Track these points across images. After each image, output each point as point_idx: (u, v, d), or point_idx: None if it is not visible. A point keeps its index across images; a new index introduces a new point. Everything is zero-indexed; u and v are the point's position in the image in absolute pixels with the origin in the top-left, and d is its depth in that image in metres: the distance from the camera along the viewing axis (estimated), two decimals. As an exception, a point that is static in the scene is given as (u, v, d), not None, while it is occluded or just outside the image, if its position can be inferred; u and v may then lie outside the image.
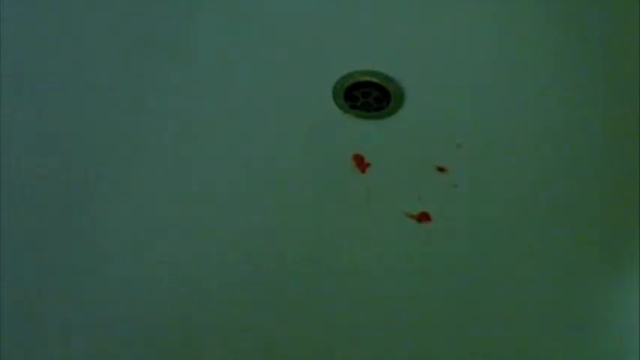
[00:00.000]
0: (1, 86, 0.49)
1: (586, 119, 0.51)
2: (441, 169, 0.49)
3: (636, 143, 0.48)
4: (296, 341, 0.43)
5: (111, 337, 0.43)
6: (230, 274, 0.45)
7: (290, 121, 0.51)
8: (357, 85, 0.52)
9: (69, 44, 0.49)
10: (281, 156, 0.50)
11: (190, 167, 0.49)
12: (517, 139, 0.51)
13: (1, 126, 0.48)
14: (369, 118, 0.52)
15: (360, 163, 0.50)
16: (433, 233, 0.47)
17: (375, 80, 0.52)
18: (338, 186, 0.49)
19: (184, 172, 0.49)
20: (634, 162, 0.48)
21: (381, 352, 0.43)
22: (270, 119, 0.51)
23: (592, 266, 0.46)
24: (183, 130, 0.50)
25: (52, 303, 0.44)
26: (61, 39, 0.49)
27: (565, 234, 0.47)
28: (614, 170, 0.49)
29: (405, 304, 0.44)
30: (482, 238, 0.47)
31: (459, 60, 0.51)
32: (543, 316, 0.44)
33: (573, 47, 0.52)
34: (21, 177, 0.47)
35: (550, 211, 0.48)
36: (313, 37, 0.50)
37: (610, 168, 0.49)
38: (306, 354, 0.42)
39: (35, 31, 0.48)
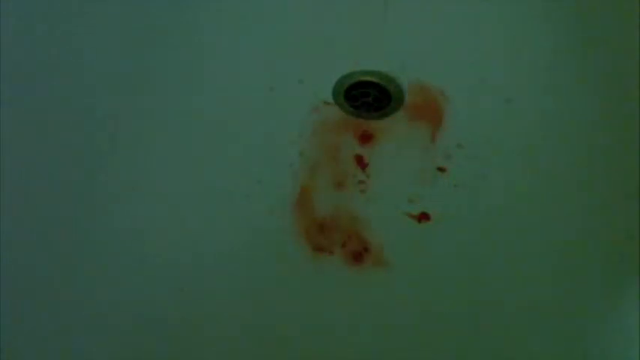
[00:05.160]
0: (1, 85, 0.49)
1: (587, 119, 0.51)
2: (441, 169, 0.50)
3: (637, 142, 0.49)
4: (297, 339, 0.43)
5: (111, 336, 0.43)
6: (230, 272, 0.45)
7: (289, 121, 0.51)
8: (357, 85, 0.52)
9: (68, 39, 0.49)
10: (280, 155, 0.50)
11: (189, 166, 0.49)
12: (517, 139, 0.51)
13: (1, 125, 0.48)
14: (369, 118, 0.52)
15: (360, 162, 0.50)
16: (433, 233, 0.47)
17: (375, 80, 0.52)
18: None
19: (184, 170, 0.49)
20: (635, 161, 0.48)
21: (382, 350, 0.43)
22: (269, 118, 0.51)
23: (593, 267, 0.46)
24: (183, 128, 0.51)
25: (51, 302, 0.43)
26: (59, 34, 0.49)
27: (566, 234, 0.47)
28: (615, 169, 0.49)
29: (404, 304, 0.44)
30: (483, 238, 0.47)
31: (459, 60, 0.51)
32: (544, 316, 0.44)
33: (574, 47, 0.52)
34: (20, 174, 0.47)
35: (551, 210, 0.48)
36: (313, 37, 0.50)
37: (611, 167, 0.49)
38: (307, 352, 0.42)
39: (35, 28, 0.48)
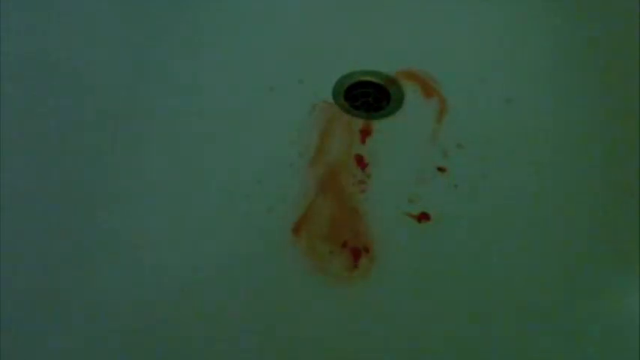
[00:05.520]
0: (1, 85, 0.49)
1: (587, 119, 0.51)
2: (441, 169, 0.50)
3: (637, 143, 0.49)
4: (297, 339, 0.43)
5: (111, 336, 0.43)
6: (230, 272, 0.45)
7: (289, 121, 0.51)
8: (357, 85, 0.52)
9: (68, 38, 0.49)
10: (280, 155, 0.50)
11: (189, 166, 0.49)
12: (517, 139, 0.51)
13: (1, 125, 0.48)
14: (369, 118, 0.52)
15: (360, 162, 0.50)
16: (433, 233, 0.47)
17: (375, 80, 0.53)
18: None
19: (184, 170, 0.49)
20: (635, 161, 0.48)
21: (382, 352, 0.43)
22: (269, 118, 0.51)
23: (593, 267, 0.46)
24: (183, 128, 0.51)
25: (51, 303, 0.43)
26: (59, 33, 0.49)
27: (566, 234, 0.47)
28: (615, 170, 0.49)
29: (405, 304, 0.44)
30: (483, 238, 0.47)
31: (458, 60, 0.51)
32: (544, 316, 0.44)
33: (574, 47, 0.52)
34: (20, 174, 0.47)
35: (551, 210, 0.48)
36: (313, 37, 0.51)
37: (611, 167, 0.49)
38: (306, 352, 0.42)
39: (35, 27, 0.49)
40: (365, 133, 0.52)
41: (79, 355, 0.41)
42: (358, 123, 0.52)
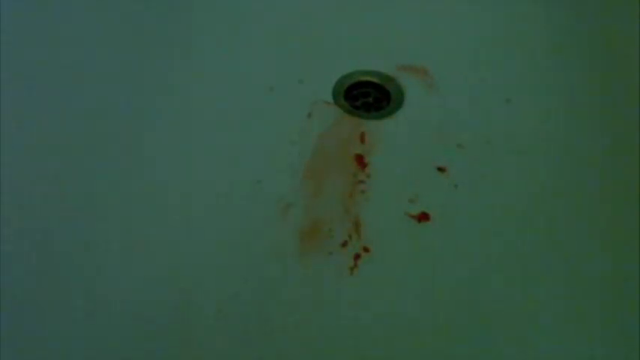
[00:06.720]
0: (1, 85, 0.49)
1: (587, 119, 0.51)
2: (441, 169, 0.50)
3: (637, 143, 0.49)
4: (297, 339, 0.43)
5: (110, 336, 0.43)
6: (230, 272, 0.45)
7: (289, 121, 0.51)
8: (357, 85, 0.53)
9: (68, 38, 0.49)
10: (280, 155, 0.50)
11: (189, 166, 0.49)
12: (517, 139, 0.51)
13: (0, 125, 0.48)
14: (369, 118, 0.52)
15: (360, 162, 0.50)
16: (433, 233, 0.47)
17: (375, 80, 0.53)
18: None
19: (183, 170, 0.49)
20: (635, 161, 0.48)
21: (382, 352, 0.43)
22: (269, 118, 0.51)
23: (592, 267, 0.46)
24: (183, 128, 0.51)
25: (51, 302, 0.43)
26: (58, 35, 0.49)
27: (566, 234, 0.47)
28: (615, 169, 0.49)
29: (404, 304, 0.44)
30: (483, 238, 0.47)
31: (458, 60, 0.51)
32: (544, 317, 0.44)
33: (574, 47, 0.52)
34: (19, 175, 0.47)
35: (551, 210, 0.48)
36: (313, 37, 0.51)
37: (611, 167, 0.49)
38: (307, 352, 0.42)
39: (34, 28, 0.49)
40: (365, 133, 0.52)
41: (79, 355, 0.41)
42: (358, 123, 0.52)
